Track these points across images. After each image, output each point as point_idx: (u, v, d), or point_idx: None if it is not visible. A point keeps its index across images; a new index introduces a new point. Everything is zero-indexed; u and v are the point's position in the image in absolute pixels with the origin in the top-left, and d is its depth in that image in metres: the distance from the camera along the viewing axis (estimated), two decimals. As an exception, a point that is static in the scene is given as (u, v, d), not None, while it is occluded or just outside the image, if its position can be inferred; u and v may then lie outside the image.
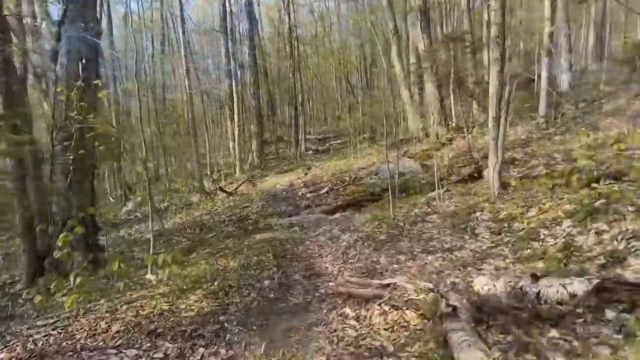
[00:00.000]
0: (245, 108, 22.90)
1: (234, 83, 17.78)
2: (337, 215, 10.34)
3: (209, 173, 22.68)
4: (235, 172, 18.62)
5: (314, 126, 35.20)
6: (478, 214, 6.68)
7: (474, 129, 13.79)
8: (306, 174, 16.15)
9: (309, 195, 13.28)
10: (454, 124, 15.38)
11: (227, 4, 17.84)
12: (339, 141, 25.78)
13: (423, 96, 17.68)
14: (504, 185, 7.43)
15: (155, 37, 29.93)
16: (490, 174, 7.45)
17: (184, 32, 14.36)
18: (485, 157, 12.25)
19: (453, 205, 7.91)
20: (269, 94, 27.28)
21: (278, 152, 24.58)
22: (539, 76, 21.07)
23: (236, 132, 17.95)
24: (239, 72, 20.62)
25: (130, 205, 17.31)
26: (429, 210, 8.01)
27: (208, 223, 12.33)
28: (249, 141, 21.63)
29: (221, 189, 14.97)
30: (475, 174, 11.13)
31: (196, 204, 15.33)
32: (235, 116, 17.77)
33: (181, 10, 14.46)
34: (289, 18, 22.55)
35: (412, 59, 17.25)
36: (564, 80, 16.47)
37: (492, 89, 7.25)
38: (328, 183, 14.00)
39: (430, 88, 14.54)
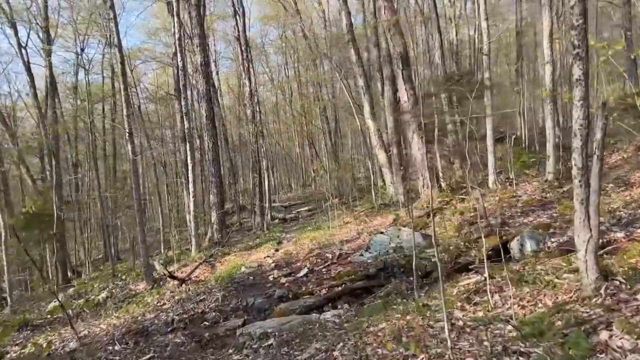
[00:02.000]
0: (204, 177, 19.64)
1: (188, 147, 14.60)
2: (329, 314, 7.01)
3: (162, 251, 18.87)
4: (191, 251, 15.00)
5: (278, 193, 32.12)
6: (604, 335, 3.63)
7: (475, 191, 11.11)
8: (277, 250, 12.82)
9: (283, 280, 9.92)
10: (444, 186, 12.76)
11: (178, 58, 15.00)
12: (306, 208, 22.90)
13: (403, 156, 15.17)
14: (605, 275, 4.49)
15: (107, 106, 27.11)
16: (582, 255, 4.50)
17: (125, 89, 11.29)
18: (505, 223, 9.51)
19: (517, 306, 4.87)
20: (230, 161, 24.29)
21: (241, 223, 21.22)
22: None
23: (191, 204, 14.54)
24: (196, 137, 17.58)
25: (60, 297, 13.17)
26: (482, 314, 4.92)
27: (149, 328, 8.68)
28: (208, 213, 18.21)
29: (171, 276, 11.35)
30: (499, 247, 8.31)
31: (140, 296, 11.58)
32: (191, 185, 14.43)
33: (122, 63, 11.47)
34: (250, 81, 20.09)
35: (389, 115, 14.87)
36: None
37: (575, 125, 4.48)
38: (306, 262, 10.73)
39: (417, 145, 11.93)
